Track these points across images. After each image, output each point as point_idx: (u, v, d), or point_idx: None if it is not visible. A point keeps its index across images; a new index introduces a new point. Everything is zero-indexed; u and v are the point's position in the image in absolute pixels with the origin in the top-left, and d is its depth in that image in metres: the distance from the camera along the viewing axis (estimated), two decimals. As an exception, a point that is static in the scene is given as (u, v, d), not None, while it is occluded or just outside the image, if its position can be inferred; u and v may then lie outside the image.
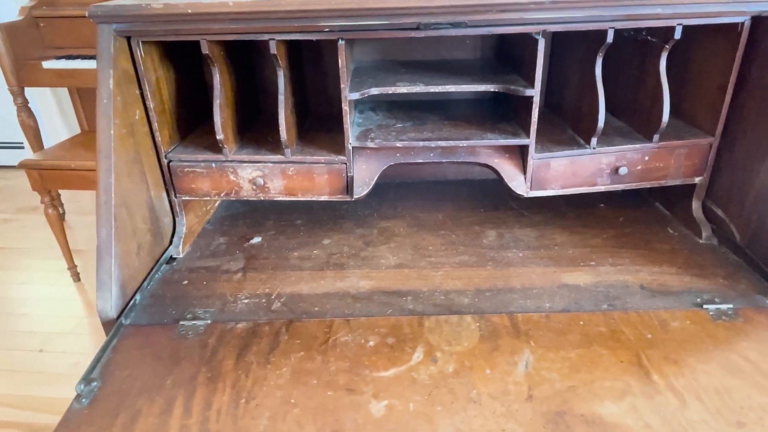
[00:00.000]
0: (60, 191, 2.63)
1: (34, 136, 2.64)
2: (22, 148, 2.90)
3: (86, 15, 0.91)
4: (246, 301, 0.98)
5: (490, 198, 1.35)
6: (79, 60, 2.40)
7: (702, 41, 1.08)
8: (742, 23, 0.97)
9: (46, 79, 2.43)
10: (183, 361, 0.83)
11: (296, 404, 0.75)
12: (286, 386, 0.78)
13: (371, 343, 0.86)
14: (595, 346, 0.84)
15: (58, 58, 2.41)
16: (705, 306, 0.92)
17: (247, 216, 1.30)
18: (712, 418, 0.71)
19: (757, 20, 0.97)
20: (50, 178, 2.17)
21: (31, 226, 2.80)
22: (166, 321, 0.92)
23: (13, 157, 3.38)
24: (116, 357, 0.84)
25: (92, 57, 2.38)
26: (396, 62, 1.29)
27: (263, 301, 0.97)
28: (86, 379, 0.79)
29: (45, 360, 1.90)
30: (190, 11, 0.91)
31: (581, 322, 0.89)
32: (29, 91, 2.54)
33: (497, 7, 0.91)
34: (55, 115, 3.22)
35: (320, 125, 1.27)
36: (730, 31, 0.99)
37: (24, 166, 2.11)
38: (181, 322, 0.91)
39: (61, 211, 2.84)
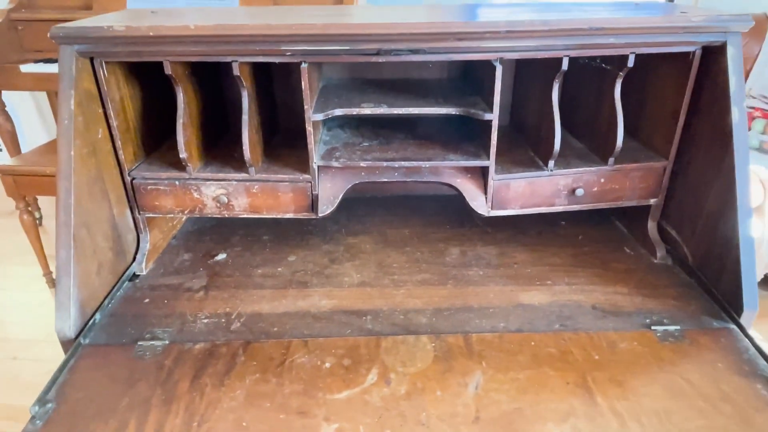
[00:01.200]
0: (38, 196, 2.61)
1: (11, 140, 2.62)
2: (1, 150, 2.86)
3: (49, 35, 0.91)
4: (206, 320, 0.98)
5: (456, 214, 1.38)
6: (56, 64, 2.38)
7: (657, 68, 1.11)
8: (694, 52, 1.01)
9: (24, 83, 2.41)
10: (139, 382, 0.84)
11: (248, 428, 0.76)
12: (239, 409, 0.79)
13: (327, 365, 0.87)
14: (544, 368, 0.87)
15: (37, 61, 2.39)
16: (653, 327, 0.95)
17: (214, 231, 1.31)
18: (650, 441, 0.74)
19: (707, 50, 1.01)
20: (25, 184, 2.16)
21: (7, 229, 2.77)
22: (124, 341, 0.93)
23: (-12, 159, 3.34)
24: (72, 378, 0.85)
25: None
26: (364, 81, 1.31)
27: (223, 320, 0.98)
28: (41, 400, 0.79)
29: (19, 367, 1.90)
30: (151, 34, 0.92)
31: (533, 343, 0.92)
32: (7, 94, 2.51)
33: (454, 36, 0.94)
34: (34, 118, 3.19)
35: (289, 141, 1.28)
36: (683, 59, 1.03)
37: None
38: (139, 342, 0.92)
39: (37, 216, 2.81)
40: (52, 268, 2.34)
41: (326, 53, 0.96)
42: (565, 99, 1.35)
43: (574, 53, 0.98)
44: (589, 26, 0.94)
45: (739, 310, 0.95)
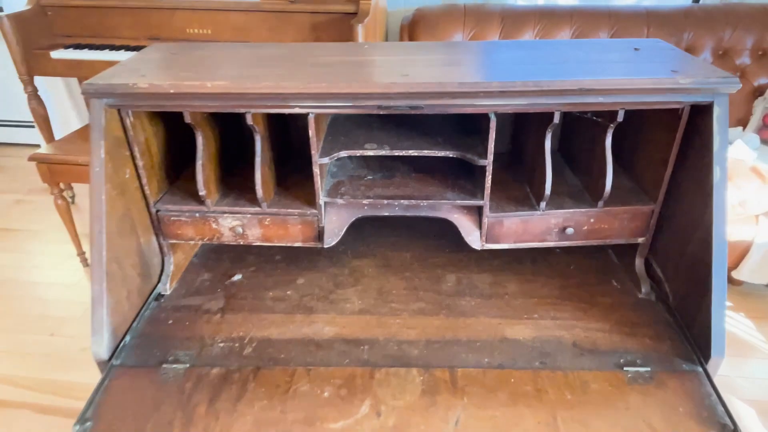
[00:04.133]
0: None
1: (44, 124, 2.76)
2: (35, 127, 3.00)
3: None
4: (221, 345, 1.11)
5: (456, 237, 1.44)
6: (86, 50, 2.49)
7: (648, 119, 1.16)
8: (682, 109, 1.05)
9: (55, 69, 2.53)
10: (163, 405, 0.97)
11: (255, 453, 0.88)
12: (248, 435, 0.91)
13: (326, 394, 0.99)
14: (519, 406, 0.97)
15: (66, 47, 2.49)
16: (625, 368, 1.04)
17: (231, 250, 1.42)
18: (604, 482, 0.84)
19: (695, 107, 1.05)
20: (59, 172, 2.30)
21: (43, 208, 2.95)
22: (151, 363, 1.06)
23: (27, 136, 3.51)
24: (107, 398, 0.98)
25: (100, 47, 2.48)
26: (372, 115, 1.37)
27: (236, 345, 1.11)
28: (82, 419, 0.93)
29: (56, 344, 2.08)
30: (172, 91, 1.01)
31: (512, 380, 1.02)
32: (39, 78, 2.62)
33: (450, 95, 1.00)
34: (66, 102, 3.31)
35: (302, 169, 1.36)
36: (672, 114, 1.07)
37: (34, 159, 2.24)
38: (163, 365, 1.05)
39: (70, 195, 2.97)
40: (85, 248, 2.50)
41: (332, 108, 1.04)
42: (564, 133, 1.40)
43: (565, 109, 1.04)
44: (579, 87, 0.99)
45: (707, 356, 1.02)
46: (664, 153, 1.13)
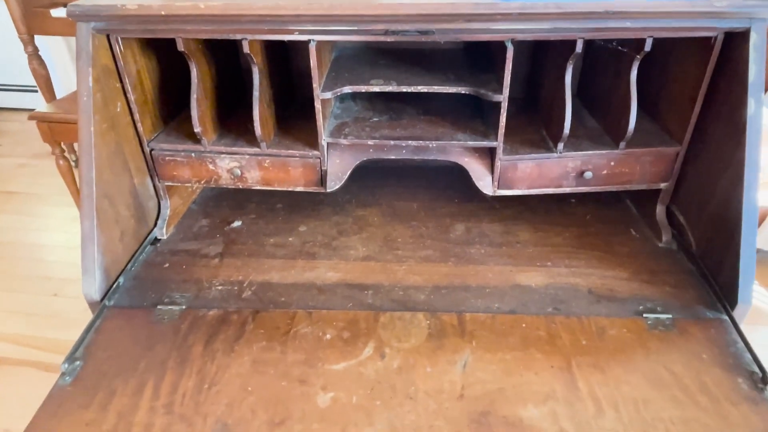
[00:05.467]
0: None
1: (46, 84, 2.70)
2: (37, 91, 2.95)
3: (66, 13, 0.94)
4: (220, 287, 1.06)
5: (466, 187, 1.37)
6: None
7: (676, 50, 1.07)
8: (715, 37, 0.97)
9: (55, 28, 2.45)
10: (157, 345, 0.92)
11: (252, 392, 0.84)
12: (245, 375, 0.87)
13: (328, 336, 0.94)
14: (531, 350, 0.91)
15: (66, 5, 2.42)
16: (645, 315, 0.98)
17: (232, 197, 1.36)
18: (623, 428, 0.78)
19: (729, 36, 0.96)
20: (60, 131, 2.24)
21: (46, 171, 2.92)
22: (145, 304, 1.01)
23: (30, 101, 3.46)
24: (98, 338, 0.94)
25: None
26: (378, 50, 1.30)
27: (235, 288, 1.06)
28: (70, 358, 0.89)
29: (59, 304, 2.07)
30: (163, 13, 0.93)
31: (524, 325, 0.96)
32: (40, 38, 2.56)
33: (464, 17, 0.92)
34: (68, 62, 3.24)
35: (305, 111, 1.29)
36: (704, 42, 0.99)
37: (34, 118, 2.19)
38: (158, 306, 1.00)
39: (73, 158, 2.93)
40: (88, 209, 2.46)
41: (334, 32, 0.96)
42: (584, 73, 1.32)
43: (589, 36, 0.96)
44: (605, 9, 0.91)
45: (733, 303, 0.96)
46: (692, 90, 1.04)
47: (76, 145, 2.87)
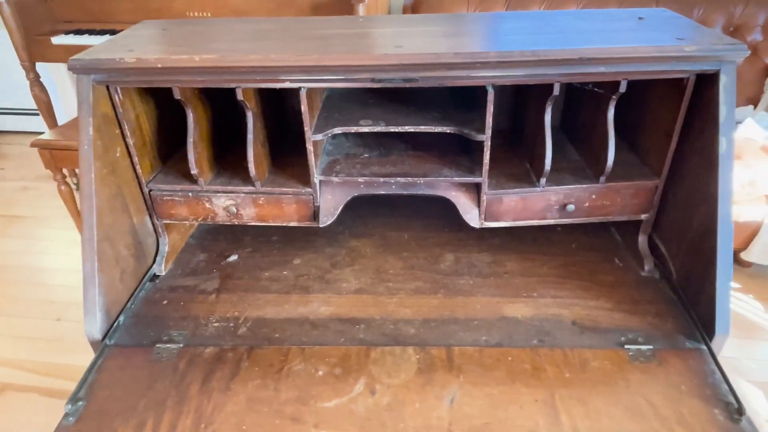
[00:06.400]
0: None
1: (47, 110, 2.76)
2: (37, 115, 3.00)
3: (67, 67, 0.99)
4: (216, 324, 1.09)
5: (456, 216, 1.42)
6: (86, 35, 2.48)
7: (651, 90, 1.12)
8: (687, 78, 1.01)
9: (56, 55, 2.52)
10: (156, 383, 0.96)
11: (247, 431, 0.87)
12: (240, 413, 0.90)
13: (320, 373, 0.98)
14: (516, 384, 0.95)
15: (67, 33, 2.48)
16: (627, 346, 1.01)
17: (228, 230, 1.40)
18: (602, 460, 0.82)
19: (701, 77, 1.01)
20: (61, 158, 2.30)
21: (49, 194, 2.97)
22: (144, 342, 1.05)
23: (33, 124, 3.52)
24: (100, 377, 0.98)
25: (101, 32, 2.47)
26: (368, 90, 1.34)
27: (231, 325, 1.09)
28: (74, 398, 0.92)
29: (62, 328, 2.10)
30: (159, 65, 0.98)
31: (510, 358, 1.00)
32: (42, 64, 2.61)
33: (445, 66, 0.97)
34: (69, 89, 3.30)
35: (297, 147, 1.34)
36: (677, 83, 1.03)
37: (36, 145, 2.24)
38: (157, 345, 1.04)
39: (74, 182, 2.98)
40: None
41: (323, 81, 1.01)
42: (566, 106, 1.36)
43: (565, 80, 1.00)
44: (579, 56, 0.96)
45: (711, 333, 0.99)
46: (668, 126, 1.09)
47: (77, 169, 2.93)
